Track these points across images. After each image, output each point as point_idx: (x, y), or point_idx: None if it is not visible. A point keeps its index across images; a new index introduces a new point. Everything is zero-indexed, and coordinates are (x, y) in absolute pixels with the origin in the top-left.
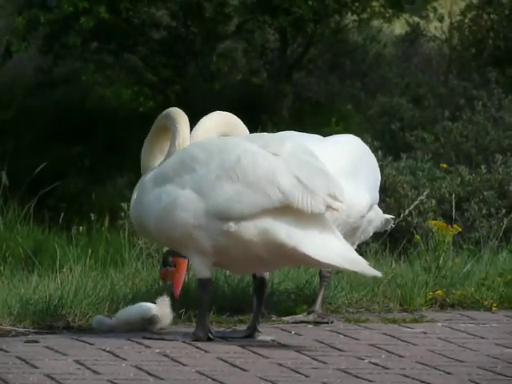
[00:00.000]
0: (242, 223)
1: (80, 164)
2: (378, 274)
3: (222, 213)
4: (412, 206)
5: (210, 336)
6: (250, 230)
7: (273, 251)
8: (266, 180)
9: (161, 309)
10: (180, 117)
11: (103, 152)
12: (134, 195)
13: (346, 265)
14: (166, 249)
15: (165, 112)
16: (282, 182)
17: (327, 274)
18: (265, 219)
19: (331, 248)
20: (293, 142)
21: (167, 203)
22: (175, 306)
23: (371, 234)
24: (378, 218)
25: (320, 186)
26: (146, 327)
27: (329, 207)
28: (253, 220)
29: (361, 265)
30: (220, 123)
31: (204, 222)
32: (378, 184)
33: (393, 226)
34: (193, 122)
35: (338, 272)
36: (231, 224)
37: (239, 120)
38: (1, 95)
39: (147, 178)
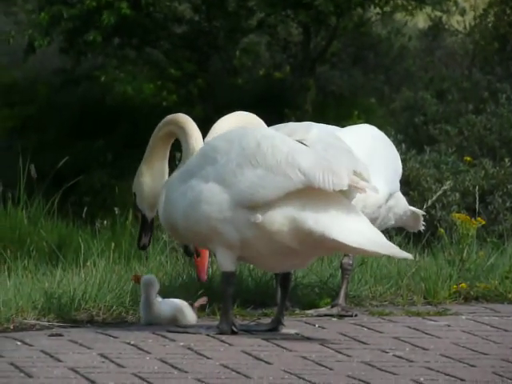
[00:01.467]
0: (269, 213)
1: (103, 159)
2: (410, 256)
3: (245, 200)
4: (435, 197)
5: (234, 329)
6: (277, 219)
7: (301, 240)
8: (286, 162)
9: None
10: (189, 121)
11: (126, 146)
12: (162, 196)
13: (376, 248)
14: None
15: (165, 120)
16: (302, 163)
17: (349, 267)
18: (291, 207)
19: (360, 232)
20: (318, 128)
21: (192, 198)
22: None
23: (392, 221)
24: (401, 205)
25: (345, 163)
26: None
27: (353, 186)
28: (279, 209)
29: (391, 248)
30: (237, 123)
31: (230, 215)
32: (399, 173)
33: (424, 224)
34: (216, 116)
35: (362, 264)
36: (258, 215)
37: (260, 120)
38: (24, 91)
39: (173, 177)
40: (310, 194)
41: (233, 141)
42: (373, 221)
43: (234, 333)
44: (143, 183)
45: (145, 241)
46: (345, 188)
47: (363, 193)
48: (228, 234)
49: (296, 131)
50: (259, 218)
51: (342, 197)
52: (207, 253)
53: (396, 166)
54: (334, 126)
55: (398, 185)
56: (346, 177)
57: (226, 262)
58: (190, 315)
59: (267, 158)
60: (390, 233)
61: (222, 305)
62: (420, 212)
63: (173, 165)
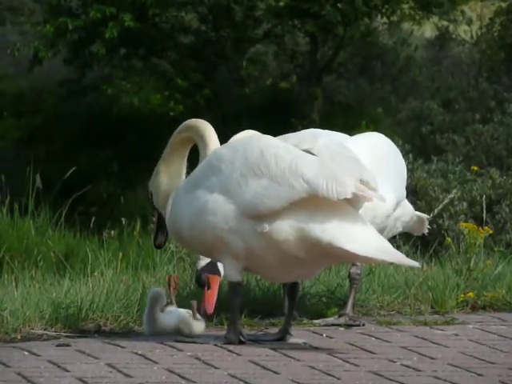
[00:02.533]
0: (276, 223)
1: (110, 169)
2: (416, 264)
3: (250, 210)
4: (442, 206)
5: (242, 339)
6: (283, 229)
7: (308, 249)
8: (290, 171)
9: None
10: (207, 126)
11: (133, 157)
12: (169, 206)
13: (383, 256)
14: (198, 266)
15: (186, 124)
16: (305, 172)
17: (357, 276)
18: (298, 217)
19: (367, 241)
20: (326, 136)
21: (197, 209)
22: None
23: (400, 229)
24: (407, 213)
25: (350, 171)
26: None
27: (359, 195)
28: (286, 219)
29: (398, 255)
30: None
31: (235, 225)
32: (405, 181)
33: (429, 227)
34: (223, 126)
35: (369, 274)
36: (265, 225)
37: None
38: (31, 101)
39: (180, 187)
40: (316, 203)
41: (237, 149)
42: (381, 231)
43: (241, 342)
44: (160, 182)
45: (161, 239)
46: (349, 196)
47: (370, 201)
48: (234, 243)
49: (304, 141)
50: (266, 227)
51: (348, 206)
52: (217, 287)
53: (403, 174)
54: (342, 134)
55: (405, 192)
56: (350, 185)
57: (233, 272)
58: (194, 325)
59: (271, 167)
60: (398, 242)
61: (230, 315)
62: (425, 216)
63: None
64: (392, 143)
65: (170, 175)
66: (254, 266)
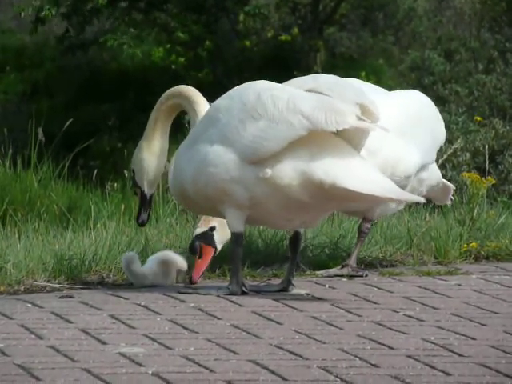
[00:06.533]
0: (278, 167)
1: (112, 122)
2: (422, 199)
3: (250, 155)
4: (445, 156)
5: (245, 290)
6: (286, 173)
7: (312, 192)
8: (287, 109)
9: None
10: (194, 90)
11: (135, 111)
12: (172, 166)
13: (387, 194)
14: (194, 233)
15: (171, 92)
16: (303, 108)
17: (366, 230)
18: (300, 160)
19: (370, 180)
20: (324, 75)
21: (199, 162)
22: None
23: (424, 193)
24: (434, 178)
25: (349, 96)
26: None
27: (360, 126)
28: (288, 162)
29: (403, 193)
30: None
31: (237, 174)
32: (438, 144)
33: (452, 198)
34: (225, 79)
35: (372, 225)
36: (267, 170)
37: None
38: (33, 55)
39: (181, 145)
40: (318, 144)
41: (233, 97)
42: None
43: (244, 293)
44: (143, 160)
45: (143, 217)
46: (348, 126)
47: (371, 131)
48: (237, 193)
49: (305, 82)
50: (268, 172)
51: (350, 148)
52: (209, 258)
53: (436, 137)
54: (381, 89)
55: (434, 156)
56: (349, 114)
57: (235, 222)
58: (179, 260)
59: (268, 108)
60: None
61: (232, 266)
62: (451, 186)
63: (181, 136)
64: (433, 105)
65: (152, 152)
66: (258, 215)
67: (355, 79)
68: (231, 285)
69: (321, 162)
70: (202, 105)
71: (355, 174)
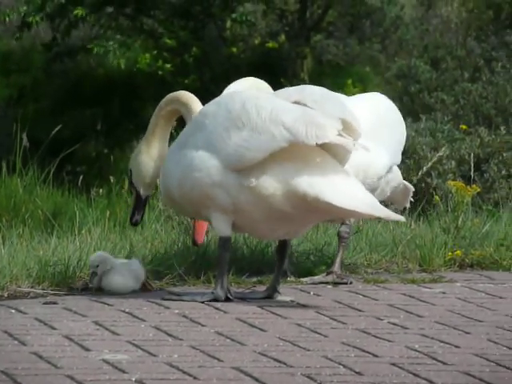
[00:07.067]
0: (262, 177)
1: (98, 128)
2: (402, 218)
3: (233, 164)
4: (430, 164)
5: (229, 296)
6: (270, 183)
7: (295, 204)
8: (270, 120)
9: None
10: (190, 96)
11: (121, 116)
12: (162, 167)
13: (370, 211)
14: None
15: (169, 98)
16: (285, 120)
17: (346, 235)
18: (285, 171)
19: (354, 195)
20: (313, 87)
21: (185, 167)
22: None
23: (388, 194)
24: (397, 179)
25: (333, 110)
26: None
27: (340, 141)
28: (273, 173)
29: (384, 210)
30: (249, 88)
31: (220, 180)
32: (402, 145)
33: (412, 200)
34: (212, 85)
35: (357, 232)
36: (252, 179)
37: (268, 85)
38: (20, 60)
39: (170, 148)
40: (303, 158)
41: (221, 104)
42: (372, 192)
43: (228, 300)
44: (141, 162)
45: (137, 218)
46: (328, 140)
47: (350, 149)
48: (220, 198)
49: (293, 93)
50: (253, 182)
51: (335, 161)
52: None
53: (400, 138)
54: (341, 94)
55: (400, 158)
56: (330, 129)
57: (222, 226)
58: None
59: (252, 117)
60: (386, 201)
61: (218, 270)
62: (411, 187)
63: None
64: (395, 107)
65: (151, 155)
66: (242, 223)
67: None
68: (216, 289)
69: (306, 175)
70: (198, 111)
71: (339, 188)
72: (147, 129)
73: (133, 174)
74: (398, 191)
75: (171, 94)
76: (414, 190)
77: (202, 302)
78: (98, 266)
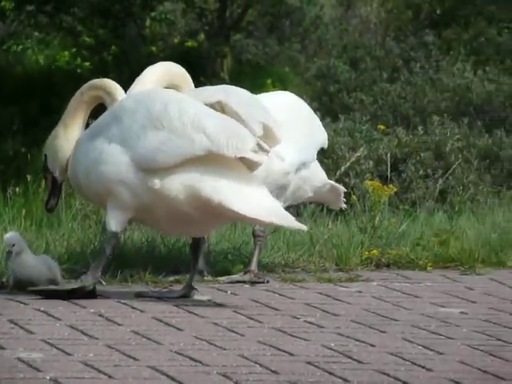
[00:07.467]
0: (167, 179)
1: (16, 126)
2: (304, 227)
3: (144, 164)
4: (348, 164)
5: (101, 283)
6: (174, 186)
7: (198, 208)
8: (192, 126)
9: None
10: (114, 84)
11: (40, 114)
12: (73, 151)
13: (272, 219)
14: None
15: (91, 84)
16: (207, 127)
17: (261, 233)
18: (190, 175)
19: (257, 203)
20: (236, 89)
21: (93, 157)
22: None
23: (309, 194)
24: (318, 178)
25: (256, 114)
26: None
27: (256, 155)
28: (178, 176)
29: (287, 219)
30: (164, 74)
31: (126, 177)
32: (316, 142)
33: (344, 201)
34: (130, 84)
35: (274, 231)
36: (156, 180)
37: (185, 71)
38: None
39: (82, 134)
40: (210, 162)
41: (141, 102)
42: (282, 189)
43: (92, 292)
44: (57, 146)
45: (52, 203)
46: (247, 156)
47: (265, 161)
48: (123, 195)
49: (215, 93)
50: (157, 183)
51: (243, 167)
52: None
53: (314, 135)
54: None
55: (314, 155)
56: (250, 143)
57: (113, 222)
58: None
59: (173, 120)
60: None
61: (96, 261)
62: (341, 188)
63: None
64: (304, 104)
65: (68, 140)
66: (144, 219)
67: (228, 85)
68: (86, 277)
69: (211, 180)
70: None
71: (243, 195)
72: (64, 112)
73: (48, 158)
74: (324, 191)
75: (95, 80)
76: (345, 190)
77: (118, 301)
78: (14, 245)
